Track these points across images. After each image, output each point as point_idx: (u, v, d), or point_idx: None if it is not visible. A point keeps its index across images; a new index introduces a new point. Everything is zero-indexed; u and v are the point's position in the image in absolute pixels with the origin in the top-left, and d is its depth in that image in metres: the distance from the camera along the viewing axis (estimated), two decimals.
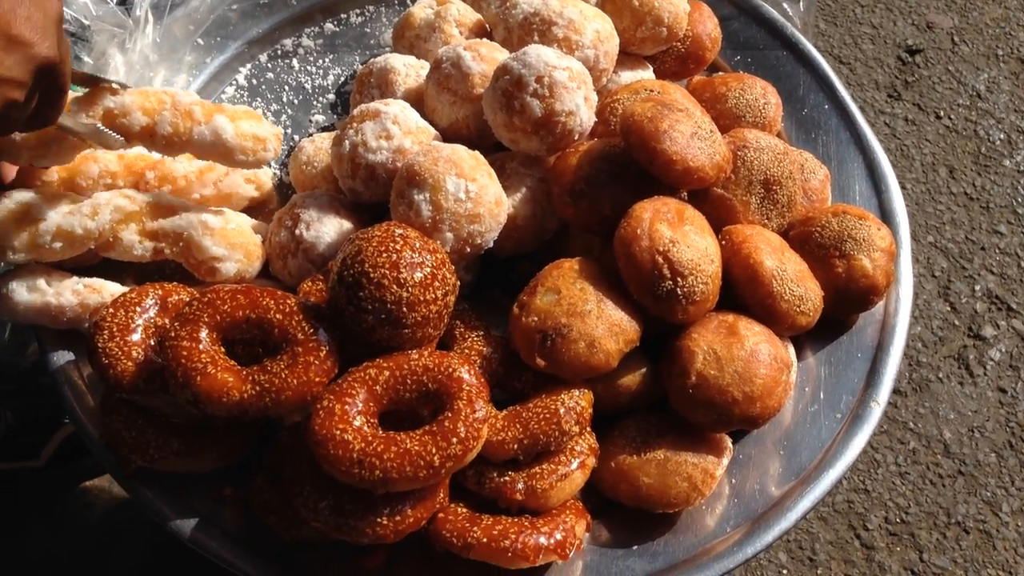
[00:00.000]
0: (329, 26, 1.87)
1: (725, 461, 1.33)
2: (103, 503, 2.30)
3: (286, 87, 1.80)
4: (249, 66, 1.81)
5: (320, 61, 1.84)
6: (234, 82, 1.79)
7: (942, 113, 3.05)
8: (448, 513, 1.25)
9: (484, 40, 1.59)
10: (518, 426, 1.27)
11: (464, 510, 1.26)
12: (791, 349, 1.43)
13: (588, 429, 1.33)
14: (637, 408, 1.38)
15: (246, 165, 1.51)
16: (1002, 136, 2.99)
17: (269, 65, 1.82)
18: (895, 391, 2.45)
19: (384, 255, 1.25)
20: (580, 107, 1.44)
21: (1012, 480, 2.37)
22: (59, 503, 2.31)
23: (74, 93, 1.44)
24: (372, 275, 1.23)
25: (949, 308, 2.64)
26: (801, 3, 1.84)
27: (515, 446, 1.26)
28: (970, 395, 2.49)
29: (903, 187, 2.81)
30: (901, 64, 3.16)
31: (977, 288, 2.68)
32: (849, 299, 1.45)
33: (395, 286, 1.23)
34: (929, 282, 2.68)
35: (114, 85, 1.45)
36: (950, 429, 2.44)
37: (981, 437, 2.43)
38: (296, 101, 1.79)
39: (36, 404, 2.26)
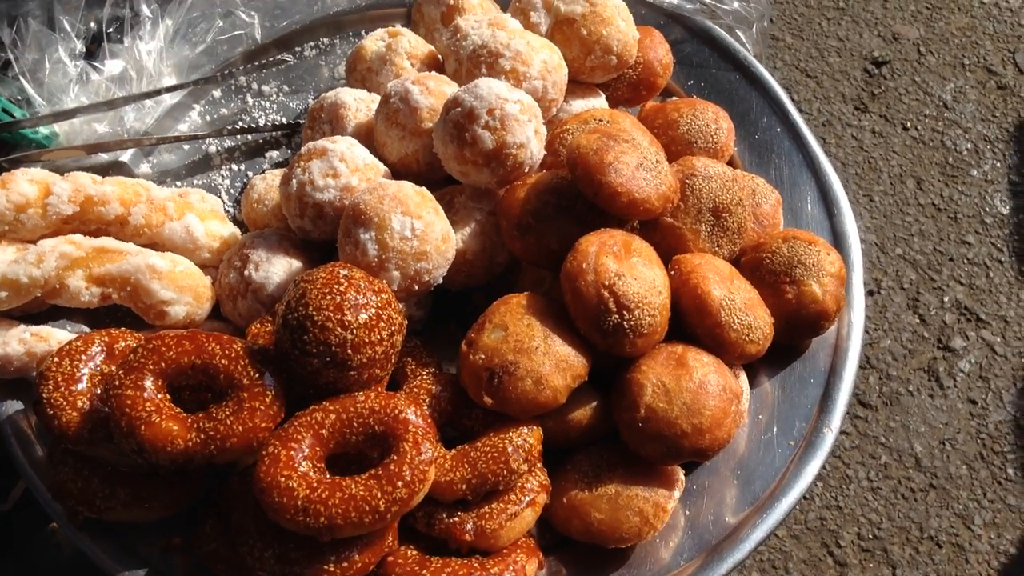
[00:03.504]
0: (284, 59, 1.86)
1: (677, 494, 1.33)
2: (72, 543, 2.28)
3: (239, 123, 1.79)
4: (203, 103, 1.80)
5: (275, 96, 1.83)
6: (187, 119, 1.78)
7: (909, 124, 3.05)
8: (397, 556, 1.24)
9: (432, 73, 1.59)
10: (466, 466, 1.26)
11: (414, 553, 1.25)
12: (743, 377, 1.43)
13: (539, 465, 1.32)
14: (590, 442, 1.37)
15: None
16: (969, 146, 3.00)
17: (223, 101, 1.81)
18: (866, 405, 2.44)
19: (328, 297, 1.24)
20: (531, 140, 1.44)
21: (984, 492, 2.36)
22: (28, 543, 2.28)
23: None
24: (316, 318, 1.23)
25: (918, 320, 2.64)
26: (754, 28, 1.84)
27: (464, 486, 1.25)
28: (940, 407, 2.49)
29: (871, 199, 2.81)
30: (868, 76, 3.16)
31: (946, 299, 2.68)
32: (800, 325, 1.45)
33: (339, 328, 1.22)
34: (898, 294, 2.68)
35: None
36: (921, 442, 2.44)
37: (952, 450, 2.43)
38: (250, 136, 1.77)
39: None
